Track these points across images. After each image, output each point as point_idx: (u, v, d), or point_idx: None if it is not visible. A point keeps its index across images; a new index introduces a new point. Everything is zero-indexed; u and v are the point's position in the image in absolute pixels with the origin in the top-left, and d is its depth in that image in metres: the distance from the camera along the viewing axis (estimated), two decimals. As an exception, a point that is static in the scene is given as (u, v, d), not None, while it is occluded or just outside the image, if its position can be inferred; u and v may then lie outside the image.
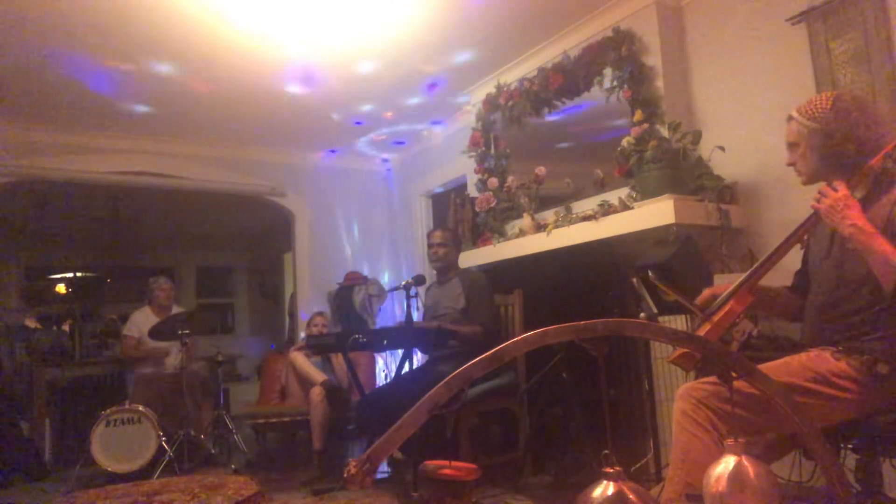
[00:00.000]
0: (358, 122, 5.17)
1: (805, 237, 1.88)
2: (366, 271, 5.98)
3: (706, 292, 1.91)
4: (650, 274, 2.41)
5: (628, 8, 3.40)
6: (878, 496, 1.75)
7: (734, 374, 1.33)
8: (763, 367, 1.47)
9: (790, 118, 1.86)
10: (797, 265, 2.04)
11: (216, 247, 9.72)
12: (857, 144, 1.73)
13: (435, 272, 3.87)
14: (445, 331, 3.37)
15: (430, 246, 3.76)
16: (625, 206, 3.13)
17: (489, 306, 3.54)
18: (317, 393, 3.98)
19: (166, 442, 3.95)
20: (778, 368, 1.67)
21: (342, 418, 4.17)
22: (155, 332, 4.37)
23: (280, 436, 5.03)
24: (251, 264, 10.05)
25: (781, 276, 2.06)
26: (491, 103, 4.31)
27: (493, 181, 4.24)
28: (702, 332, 1.76)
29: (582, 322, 1.25)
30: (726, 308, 1.76)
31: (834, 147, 1.74)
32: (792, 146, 1.85)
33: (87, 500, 1.86)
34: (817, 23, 2.76)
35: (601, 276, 3.25)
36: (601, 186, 3.47)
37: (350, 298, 5.53)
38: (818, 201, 1.70)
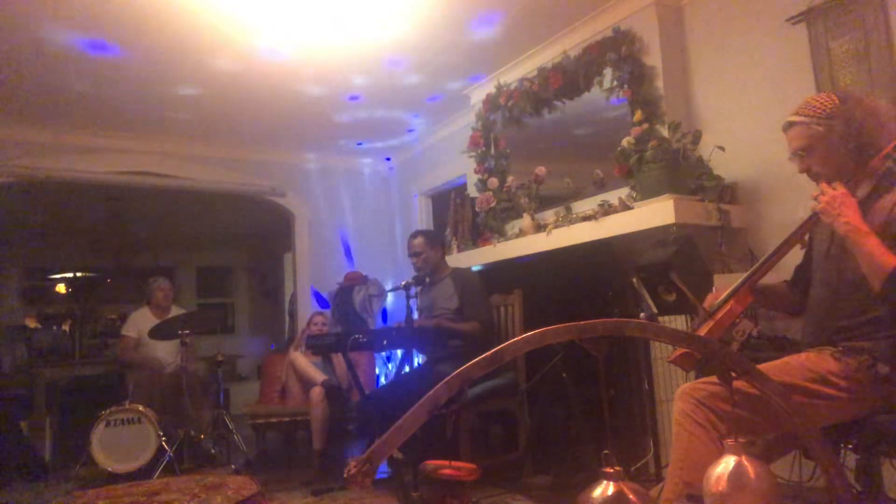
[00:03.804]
0: (357, 122, 5.17)
1: (805, 237, 1.88)
2: (366, 271, 5.98)
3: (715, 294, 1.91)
4: (635, 281, 2.42)
5: (628, 8, 3.40)
6: (878, 496, 1.74)
7: (734, 374, 1.33)
8: (763, 367, 1.47)
9: (792, 124, 1.80)
10: (797, 263, 2.04)
11: (216, 247, 9.72)
12: (877, 126, 1.71)
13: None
14: (444, 329, 3.37)
15: (409, 256, 3.75)
16: (625, 206, 3.13)
17: (484, 302, 3.54)
18: (317, 393, 3.98)
19: (166, 442, 3.94)
20: (778, 368, 1.67)
21: (342, 418, 4.17)
22: (155, 333, 4.38)
23: (280, 436, 5.02)
24: (251, 264, 10.05)
25: (781, 276, 2.06)
26: (491, 103, 4.31)
27: (493, 181, 4.24)
28: (702, 332, 1.76)
29: (582, 322, 1.25)
30: (726, 308, 1.76)
31: (859, 132, 1.70)
32: (804, 151, 1.79)
33: (87, 500, 1.86)
34: (817, 23, 2.76)
35: (601, 276, 3.25)
36: (601, 186, 3.47)
37: (350, 298, 5.53)
38: (816, 200, 1.70)
